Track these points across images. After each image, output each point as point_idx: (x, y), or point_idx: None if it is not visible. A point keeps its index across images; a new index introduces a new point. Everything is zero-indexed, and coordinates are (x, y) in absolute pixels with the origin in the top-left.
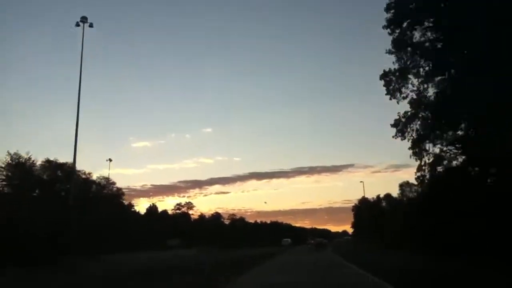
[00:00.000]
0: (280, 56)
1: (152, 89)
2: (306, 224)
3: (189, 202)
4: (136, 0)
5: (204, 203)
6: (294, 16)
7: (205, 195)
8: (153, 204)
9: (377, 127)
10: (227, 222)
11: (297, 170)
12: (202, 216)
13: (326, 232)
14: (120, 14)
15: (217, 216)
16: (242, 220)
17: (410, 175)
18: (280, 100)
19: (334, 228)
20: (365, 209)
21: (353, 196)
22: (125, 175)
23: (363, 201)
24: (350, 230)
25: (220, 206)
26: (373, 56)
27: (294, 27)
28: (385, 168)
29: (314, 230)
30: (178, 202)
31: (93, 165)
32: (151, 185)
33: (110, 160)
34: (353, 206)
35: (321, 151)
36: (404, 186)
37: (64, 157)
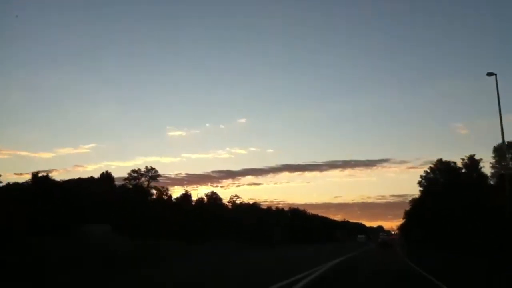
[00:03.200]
0: (315, 50)
1: (189, 79)
2: (338, 217)
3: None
4: None
5: (237, 194)
6: (333, 8)
7: (238, 186)
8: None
9: (413, 122)
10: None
11: (331, 164)
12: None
13: (361, 227)
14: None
15: (214, 197)
16: (254, 206)
17: None
18: (314, 93)
19: (368, 223)
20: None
21: (388, 192)
22: (161, 162)
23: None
24: (386, 226)
25: (253, 197)
26: (409, 49)
27: (329, 21)
28: (421, 164)
29: (346, 224)
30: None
31: (131, 152)
32: (185, 173)
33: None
34: (421, 177)
35: (356, 145)
36: (501, 149)
37: None
